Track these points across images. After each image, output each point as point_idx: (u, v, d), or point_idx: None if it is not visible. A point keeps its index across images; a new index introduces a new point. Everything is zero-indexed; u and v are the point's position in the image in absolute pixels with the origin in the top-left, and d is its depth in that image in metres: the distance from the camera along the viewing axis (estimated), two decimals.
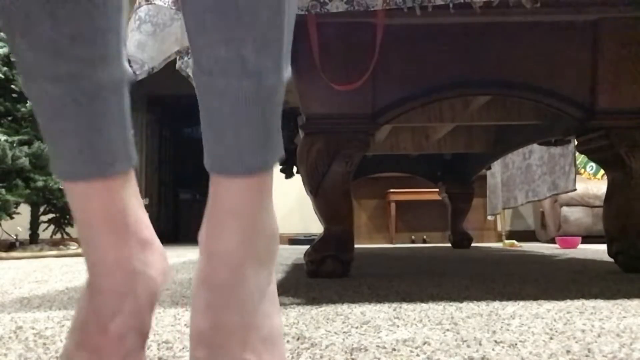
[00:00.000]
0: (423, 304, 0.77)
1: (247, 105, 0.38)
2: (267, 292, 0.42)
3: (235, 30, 0.36)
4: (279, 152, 0.41)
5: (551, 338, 0.53)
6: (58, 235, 3.18)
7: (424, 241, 4.81)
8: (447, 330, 0.58)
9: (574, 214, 4.07)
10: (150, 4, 1.09)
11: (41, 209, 3.06)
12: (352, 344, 0.51)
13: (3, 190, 2.70)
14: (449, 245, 3.27)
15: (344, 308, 0.74)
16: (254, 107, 0.38)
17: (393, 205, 4.64)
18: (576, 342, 0.51)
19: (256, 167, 0.39)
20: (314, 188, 1.22)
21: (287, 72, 0.41)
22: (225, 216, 0.40)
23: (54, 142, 0.39)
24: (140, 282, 0.42)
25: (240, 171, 0.39)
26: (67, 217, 3.15)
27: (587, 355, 0.46)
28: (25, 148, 2.78)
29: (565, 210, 4.08)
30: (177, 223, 7.13)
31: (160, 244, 0.47)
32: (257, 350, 0.39)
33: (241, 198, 0.40)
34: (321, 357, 0.47)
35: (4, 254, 2.63)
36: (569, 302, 0.77)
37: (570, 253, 2.35)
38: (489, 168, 3.05)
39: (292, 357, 0.47)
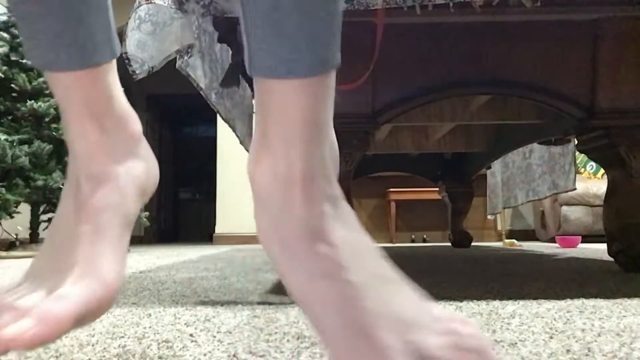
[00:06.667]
0: None
1: None
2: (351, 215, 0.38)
3: None
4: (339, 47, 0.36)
5: (551, 337, 0.53)
6: None
7: (424, 240, 4.81)
8: None
9: (574, 213, 4.07)
10: (150, 3, 1.09)
11: (41, 208, 3.06)
12: None
13: (3, 190, 2.70)
14: (449, 244, 3.27)
15: None
16: None
17: (393, 204, 4.64)
18: (576, 341, 0.51)
19: (328, 64, 0.35)
20: None
21: None
22: (293, 125, 0.35)
23: (29, 24, 0.37)
24: (123, 168, 0.41)
25: (310, 72, 0.34)
26: None
27: (587, 355, 0.46)
28: (25, 147, 2.78)
29: (565, 209, 4.09)
30: (177, 222, 7.14)
31: (146, 142, 0.46)
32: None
33: (312, 101, 0.35)
34: (321, 356, 0.47)
35: (4, 253, 2.63)
36: (569, 302, 0.77)
37: (570, 252, 2.35)
38: (489, 167, 3.05)
39: (292, 356, 0.47)
